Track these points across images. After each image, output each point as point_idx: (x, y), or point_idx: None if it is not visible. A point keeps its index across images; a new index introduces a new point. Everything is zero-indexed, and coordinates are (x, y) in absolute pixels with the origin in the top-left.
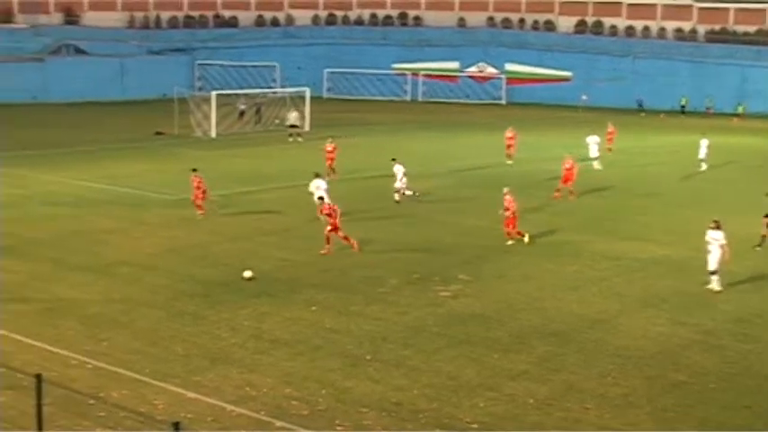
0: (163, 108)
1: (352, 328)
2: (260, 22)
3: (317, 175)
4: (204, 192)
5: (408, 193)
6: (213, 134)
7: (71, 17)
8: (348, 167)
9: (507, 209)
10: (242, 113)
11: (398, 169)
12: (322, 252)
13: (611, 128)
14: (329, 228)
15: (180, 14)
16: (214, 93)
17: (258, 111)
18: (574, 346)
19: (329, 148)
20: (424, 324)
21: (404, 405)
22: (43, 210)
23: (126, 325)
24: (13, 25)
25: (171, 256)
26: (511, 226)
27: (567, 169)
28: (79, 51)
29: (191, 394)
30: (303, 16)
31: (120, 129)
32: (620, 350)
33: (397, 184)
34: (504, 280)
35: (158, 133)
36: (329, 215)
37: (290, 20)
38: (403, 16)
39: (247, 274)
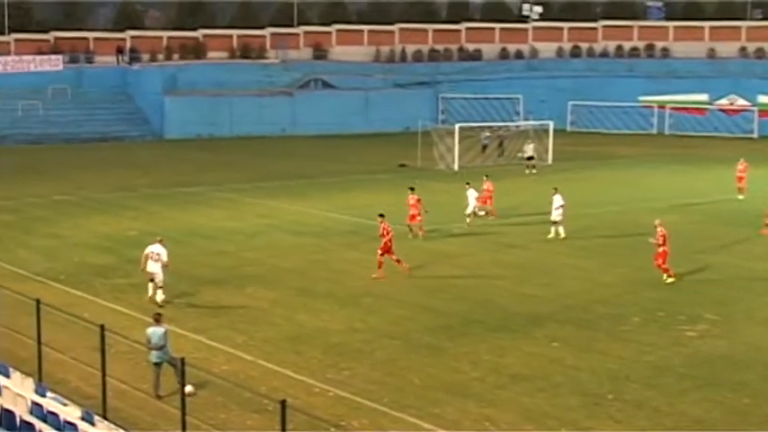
0: (406, 140)
1: (594, 365)
2: (504, 54)
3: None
4: (419, 211)
5: (481, 213)
6: (456, 167)
7: (319, 52)
8: (584, 201)
9: (659, 243)
10: (485, 147)
11: (471, 194)
12: (374, 276)
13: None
14: (381, 250)
15: (425, 48)
16: (457, 125)
17: (501, 144)
18: None
19: (486, 187)
20: (669, 364)
21: None
22: (289, 239)
23: (367, 355)
24: (265, 60)
25: (412, 287)
26: (661, 260)
27: None
28: (326, 85)
29: (427, 425)
30: (547, 49)
31: (364, 160)
32: None
33: (468, 210)
34: (753, 321)
35: (402, 165)
36: (383, 235)
37: (533, 52)
38: (650, 47)
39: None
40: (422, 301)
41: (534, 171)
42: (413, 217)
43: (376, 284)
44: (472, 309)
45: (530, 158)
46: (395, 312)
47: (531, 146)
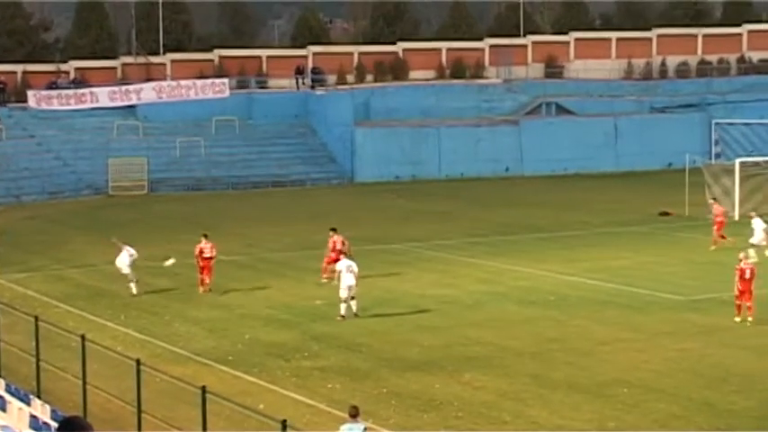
0: (669, 180)
1: None
2: None
3: None
4: (340, 253)
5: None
6: (736, 215)
7: (553, 68)
8: None
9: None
10: None
11: (757, 224)
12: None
13: None
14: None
15: (692, 59)
16: (737, 160)
17: None
18: None
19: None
20: None
21: None
22: (519, 310)
23: None
24: (483, 81)
25: (682, 375)
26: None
27: None
28: (562, 110)
29: None
30: None
31: (613, 207)
32: None
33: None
34: None
35: (663, 214)
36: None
37: None
38: None
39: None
40: (696, 393)
41: None
42: (331, 260)
43: (633, 371)
44: (765, 407)
45: None
46: (659, 408)
47: None
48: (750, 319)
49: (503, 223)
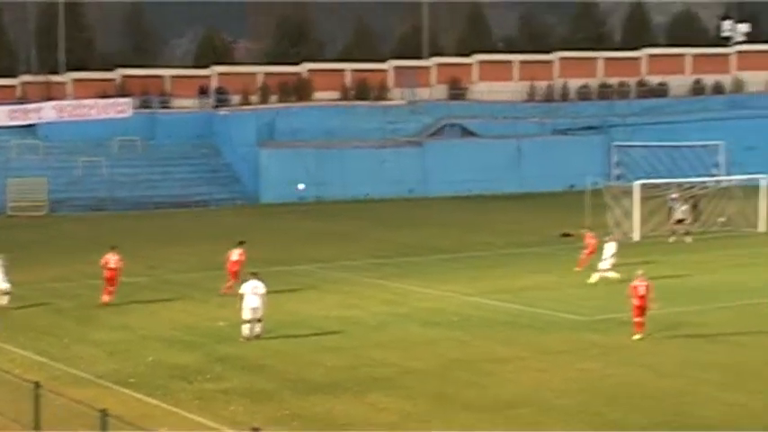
0: (571, 202)
1: None
2: (698, 89)
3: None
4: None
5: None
6: (636, 236)
7: (457, 90)
8: None
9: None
10: (672, 209)
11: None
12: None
13: None
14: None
15: (593, 82)
16: (637, 183)
17: (696, 206)
18: None
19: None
20: None
21: None
22: (422, 331)
23: None
24: (387, 102)
25: (582, 395)
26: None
27: None
28: (466, 132)
29: None
30: (756, 79)
31: (516, 229)
32: None
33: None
34: None
35: (565, 235)
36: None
37: (738, 85)
38: None
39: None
40: (595, 412)
41: (689, 240)
42: (234, 274)
43: (534, 391)
44: (660, 425)
45: (679, 221)
46: (561, 428)
47: (684, 207)
48: (638, 337)
49: (407, 244)
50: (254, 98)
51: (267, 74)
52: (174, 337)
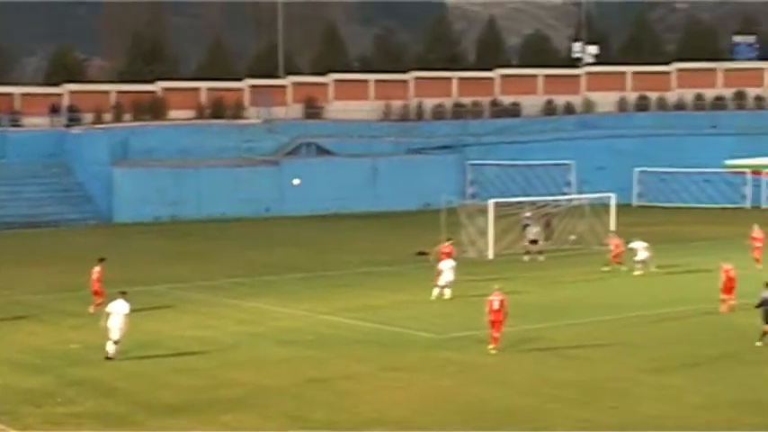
0: (426, 221)
1: None
2: (549, 109)
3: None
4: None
5: None
6: (491, 254)
7: (313, 109)
8: (660, 298)
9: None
10: (526, 227)
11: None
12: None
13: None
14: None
15: (448, 102)
16: (491, 201)
17: (548, 224)
18: None
19: None
20: None
21: None
22: (278, 351)
23: None
24: (242, 121)
25: (438, 413)
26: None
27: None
28: (322, 151)
29: None
30: (605, 101)
31: (371, 248)
32: None
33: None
34: None
35: (420, 254)
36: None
37: (588, 105)
38: (740, 96)
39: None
40: (452, 427)
41: (541, 258)
42: (98, 293)
43: (390, 410)
44: None
45: (533, 242)
46: None
47: (536, 230)
48: (492, 350)
49: (263, 263)
50: (107, 116)
51: (120, 92)
52: (22, 360)
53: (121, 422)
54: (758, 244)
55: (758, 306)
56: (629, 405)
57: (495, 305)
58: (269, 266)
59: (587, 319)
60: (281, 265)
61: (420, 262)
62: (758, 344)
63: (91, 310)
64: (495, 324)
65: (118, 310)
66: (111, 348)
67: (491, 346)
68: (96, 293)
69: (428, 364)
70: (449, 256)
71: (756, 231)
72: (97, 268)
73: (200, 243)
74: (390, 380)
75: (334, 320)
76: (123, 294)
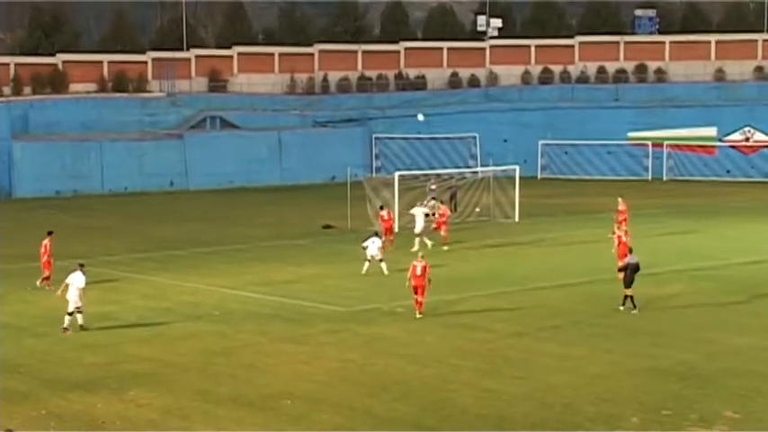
0: (332, 194)
1: None
2: (454, 82)
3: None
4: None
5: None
6: (395, 227)
7: (217, 82)
8: (562, 269)
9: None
10: (432, 200)
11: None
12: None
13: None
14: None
15: (353, 75)
16: (397, 174)
17: (453, 197)
18: None
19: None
20: None
21: None
22: (184, 326)
23: None
24: (145, 94)
25: (345, 385)
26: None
27: None
28: (227, 124)
29: None
30: (509, 73)
31: (277, 222)
32: None
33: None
34: None
35: (326, 227)
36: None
37: (492, 78)
38: (641, 69)
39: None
40: (358, 403)
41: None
42: (46, 264)
43: (297, 383)
44: (423, 412)
45: (427, 215)
46: (322, 419)
47: (432, 202)
48: (419, 315)
49: (168, 238)
50: (6, 90)
51: (20, 65)
52: None
53: (24, 399)
54: (622, 216)
55: (620, 270)
56: (533, 375)
57: (418, 271)
58: (173, 241)
59: (491, 290)
60: (187, 239)
61: (327, 235)
62: (620, 308)
63: (38, 283)
64: (418, 289)
65: (76, 282)
66: (67, 320)
67: (418, 314)
68: (45, 266)
69: (334, 338)
70: (389, 225)
71: (621, 204)
72: (46, 241)
73: (102, 218)
74: (296, 353)
75: (240, 295)
76: (81, 267)
